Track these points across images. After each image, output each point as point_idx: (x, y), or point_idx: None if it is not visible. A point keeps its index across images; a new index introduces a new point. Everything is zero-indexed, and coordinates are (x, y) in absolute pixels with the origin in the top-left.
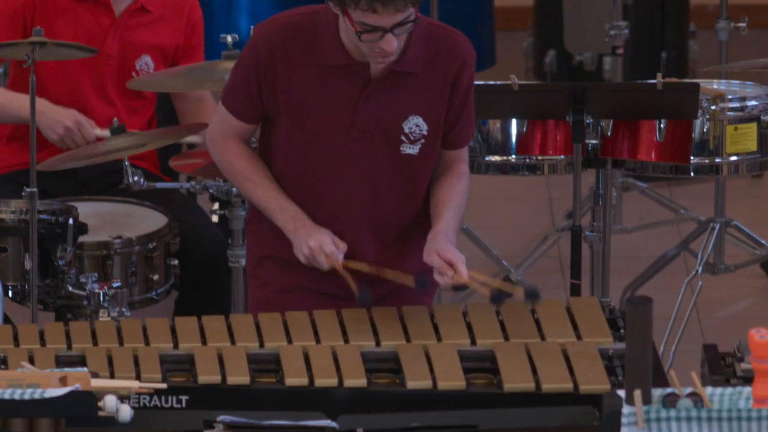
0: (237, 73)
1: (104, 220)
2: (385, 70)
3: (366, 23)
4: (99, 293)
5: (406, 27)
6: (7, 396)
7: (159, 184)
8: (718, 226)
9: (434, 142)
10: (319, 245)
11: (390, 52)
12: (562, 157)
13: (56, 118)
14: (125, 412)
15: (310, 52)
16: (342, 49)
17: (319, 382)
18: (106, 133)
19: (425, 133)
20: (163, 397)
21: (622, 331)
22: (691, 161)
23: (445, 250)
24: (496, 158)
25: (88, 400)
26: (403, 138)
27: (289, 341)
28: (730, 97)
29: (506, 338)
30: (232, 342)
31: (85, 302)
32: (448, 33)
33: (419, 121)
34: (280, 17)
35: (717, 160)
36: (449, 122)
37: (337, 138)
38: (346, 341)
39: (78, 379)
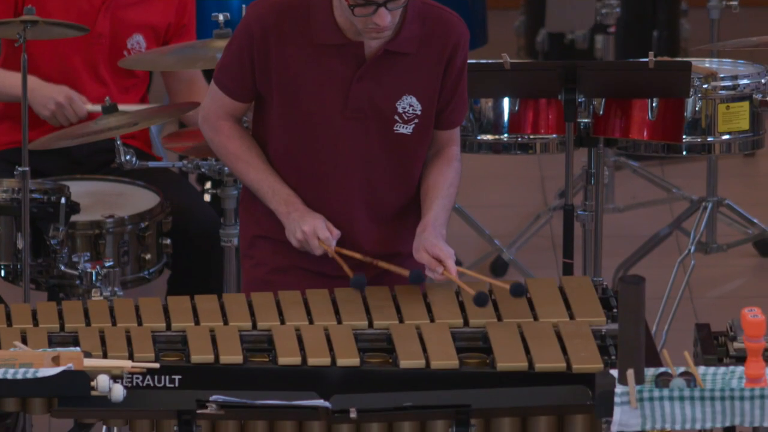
0: (229, 52)
1: (96, 199)
2: (379, 50)
3: None
4: (91, 273)
5: (400, 2)
6: None
7: (151, 163)
8: (710, 205)
9: (428, 122)
10: (312, 230)
11: (384, 26)
12: (554, 136)
13: (47, 94)
14: (118, 391)
15: (304, 31)
16: (336, 28)
17: (312, 361)
18: (97, 108)
19: (419, 112)
20: (155, 377)
21: (614, 310)
22: (684, 140)
23: (432, 245)
24: (488, 137)
25: (80, 379)
26: (396, 118)
27: (282, 321)
28: (722, 75)
29: (499, 318)
30: (225, 321)
31: (78, 282)
32: (443, 13)
33: (413, 101)
34: None
35: (709, 138)
36: (442, 101)
37: (330, 118)
38: (339, 321)
39: (71, 359)
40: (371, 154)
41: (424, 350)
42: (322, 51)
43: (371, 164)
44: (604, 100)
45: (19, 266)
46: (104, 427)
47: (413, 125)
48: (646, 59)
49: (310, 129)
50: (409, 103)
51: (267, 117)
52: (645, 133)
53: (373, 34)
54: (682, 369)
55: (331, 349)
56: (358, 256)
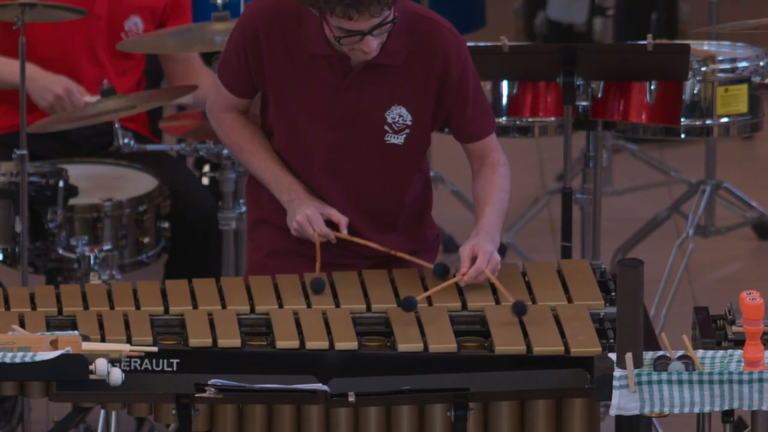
0: (228, 49)
1: (95, 182)
2: (364, 62)
3: (343, 28)
4: (89, 256)
5: (385, 28)
6: None
7: (149, 146)
8: (708, 188)
9: (420, 132)
10: (305, 219)
11: (370, 51)
12: (553, 119)
13: (46, 85)
14: (116, 375)
15: (294, 38)
16: (324, 39)
17: (311, 345)
18: (95, 99)
19: (409, 123)
20: (154, 361)
21: (613, 293)
22: (682, 123)
23: (479, 246)
24: None
25: (79, 363)
26: (386, 128)
27: (280, 304)
28: (720, 58)
29: (497, 302)
30: (223, 305)
31: (76, 265)
32: (434, 26)
33: (402, 111)
34: None
35: (708, 121)
36: (456, 116)
37: (317, 125)
38: (337, 305)
39: (69, 343)
40: (361, 163)
41: (423, 334)
42: (311, 59)
43: (361, 173)
44: (602, 83)
45: (17, 249)
46: (102, 411)
47: (404, 135)
48: (645, 42)
49: (300, 134)
50: (398, 113)
51: (268, 111)
52: (643, 116)
53: (360, 57)
54: (680, 352)
55: (329, 332)
56: (372, 245)
